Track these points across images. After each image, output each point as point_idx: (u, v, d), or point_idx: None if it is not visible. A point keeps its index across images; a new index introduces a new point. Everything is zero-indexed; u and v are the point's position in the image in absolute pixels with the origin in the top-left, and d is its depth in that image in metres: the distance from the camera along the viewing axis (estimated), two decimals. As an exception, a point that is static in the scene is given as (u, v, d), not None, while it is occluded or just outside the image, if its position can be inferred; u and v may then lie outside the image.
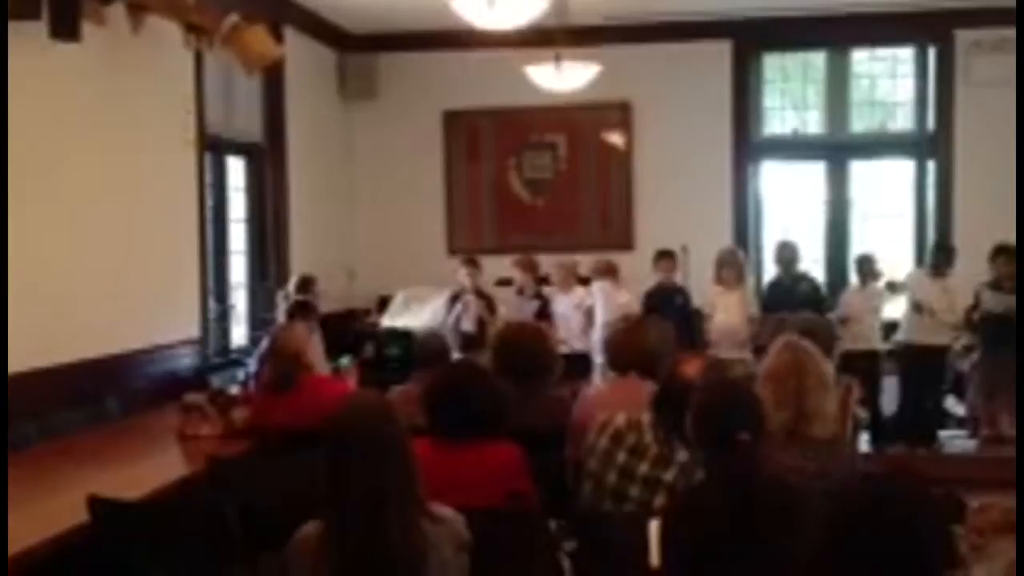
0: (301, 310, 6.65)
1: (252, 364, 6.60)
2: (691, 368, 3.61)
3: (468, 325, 7.86)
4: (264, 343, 6.52)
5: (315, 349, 5.52)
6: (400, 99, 9.54)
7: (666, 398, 3.49)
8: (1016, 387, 7.14)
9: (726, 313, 7.87)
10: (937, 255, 8.13)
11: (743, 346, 7.84)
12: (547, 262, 8.42)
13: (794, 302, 7.74)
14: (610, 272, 8.06)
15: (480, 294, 8.04)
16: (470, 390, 3.52)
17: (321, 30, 8.89)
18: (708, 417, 2.99)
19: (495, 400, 3.56)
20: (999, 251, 7.78)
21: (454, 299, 8.06)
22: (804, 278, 8.20)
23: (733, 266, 8.01)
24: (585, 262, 8.35)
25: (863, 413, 7.71)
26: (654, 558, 2.82)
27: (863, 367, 7.84)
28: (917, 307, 7.85)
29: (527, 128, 9.56)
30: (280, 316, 6.98)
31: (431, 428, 3.47)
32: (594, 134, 9.51)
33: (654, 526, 2.87)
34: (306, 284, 7.24)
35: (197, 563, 3.36)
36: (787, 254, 8.22)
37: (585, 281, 8.23)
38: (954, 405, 8.41)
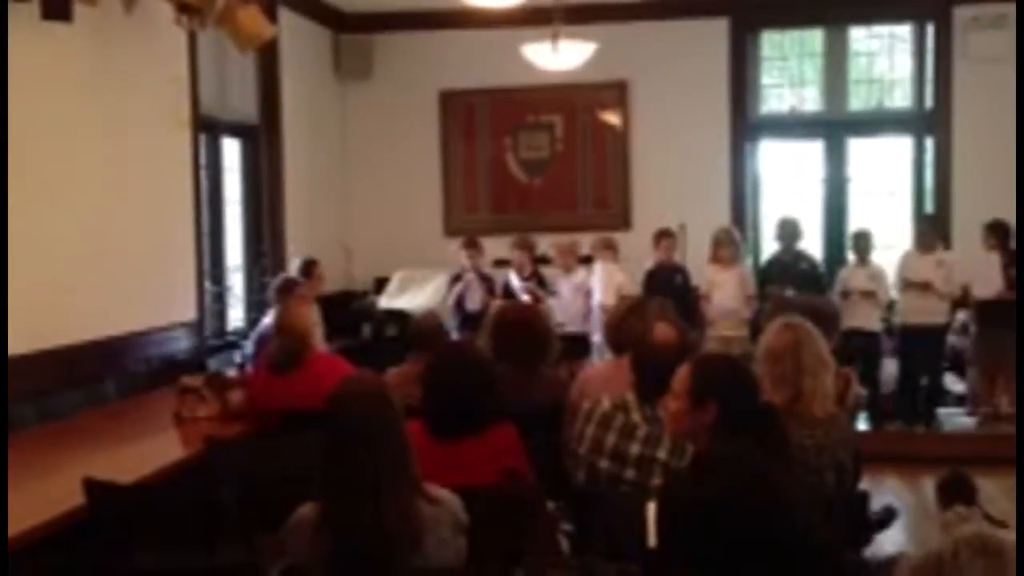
0: (286, 288, 6.59)
1: (249, 346, 6.59)
2: (664, 333, 3.61)
3: (474, 304, 7.83)
4: (262, 325, 6.51)
5: (316, 331, 5.50)
6: (396, 79, 9.50)
7: (648, 371, 3.49)
8: (1016, 369, 7.14)
9: (723, 292, 7.87)
10: (923, 230, 8.11)
11: (741, 325, 7.85)
12: (544, 242, 8.41)
13: (792, 280, 7.73)
14: (610, 249, 8.04)
15: (481, 275, 8.02)
16: (467, 391, 3.46)
17: (315, 9, 8.84)
18: (729, 392, 2.96)
19: (491, 397, 3.51)
20: (993, 227, 7.80)
21: (455, 279, 8.04)
22: (803, 257, 8.18)
23: (729, 245, 8.00)
24: (585, 242, 8.33)
25: (863, 391, 7.73)
26: (651, 539, 2.81)
27: (862, 345, 7.86)
28: (907, 285, 7.84)
29: (524, 107, 9.52)
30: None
31: (428, 426, 3.43)
32: (591, 113, 9.48)
33: (652, 508, 2.85)
34: (309, 267, 7.21)
35: (194, 545, 3.35)
36: (788, 231, 8.19)
37: (586, 260, 8.21)
38: (953, 383, 8.41)
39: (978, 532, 1.73)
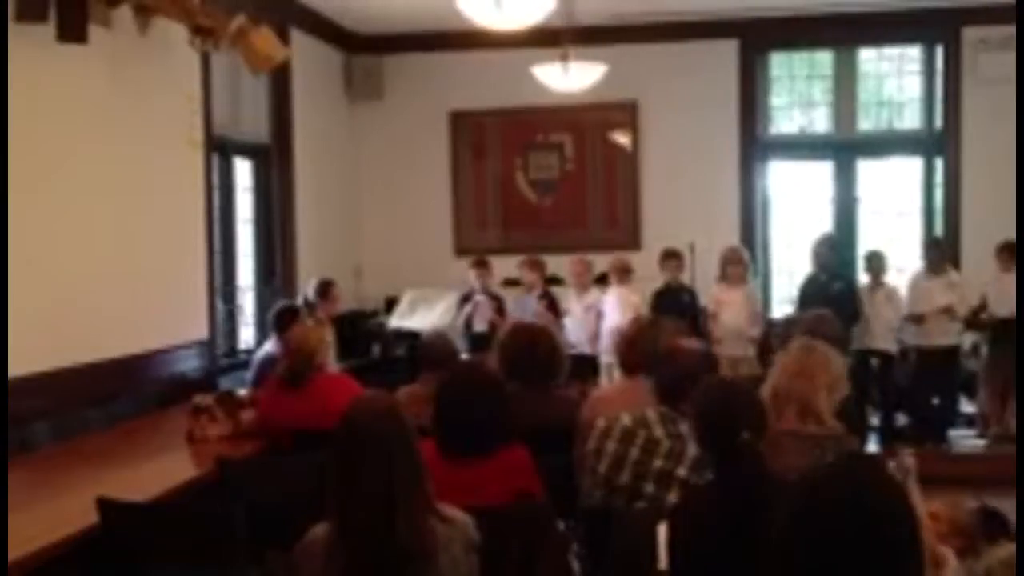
0: (292, 315, 6.57)
1: (250, 373, 6.53)
2: (686, 341, 3.65)
3: (481, 326, 7.84)
4: (263, 351, 6.51)
5: (328, 351, 5.50)
6: (406, 100, 9.55)
7: (667, 376, 3.52)
8: (1016, 387, 7.12)
9: (731, 311, 7.85)
10: (932, 252, 8.09)
11: (747, 345, 7.83)
12: (554, 262, 8.41)
13: (827, 299, 7.50)
14: (625, 271, 8.03)
15: (490, 295, 8.03)
16: (479, 411, 3.45)
17: (327, 31, 8.90)
18: (710, 418, 2.99)
19: (503, 417, 3.51)
20: (1005, 247, 7.79)
21: (464, 299, 8.05)
22: (840, 276, 8.02)
23: (738, 263, 7.99)
24: (599, 262, 8.32)
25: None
26: (662, 561, 2.82)
27: (877, 366, 7.84)
28: (917, 319, 7.79)
29: (533, 128, 9.56)
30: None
31: (440, 446, 3.44)
32: (601, 133, 9.51)
33: (662, 529, 2.86)
34: (325, 288, 7.20)
35: (205, 564, 3.36)
36: (826, 249, 8.07)
37: (600, 280, 8.21)
38: (964, 404, 8.38)
39: (1012, 553, 1.75)
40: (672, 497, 3.32)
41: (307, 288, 7.36)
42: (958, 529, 3.61)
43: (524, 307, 7.84)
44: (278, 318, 6.51)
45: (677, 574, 2.78)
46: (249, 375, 6.55)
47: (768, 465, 2.93)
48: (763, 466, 2.88)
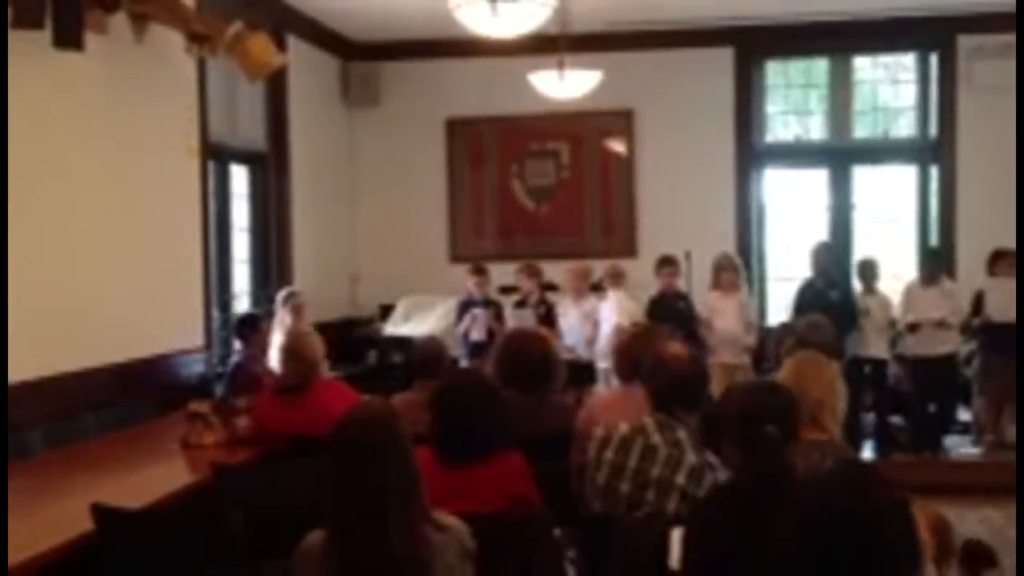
0: (251, 323, 6.57)
1: (222, 384, 6.48)
2: (676, 347, 3.67)
3: (478, 335, 7.84)
4: (232, 362, 6.50)
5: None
6: (403, 107, 9.56)
7: (662, 392, 3.53)
8: (1016, 392, 7.13)
9: (724, 319, 7.85)
10: (929, 263, 8.08)
11: (742, 352, 7.83)
12: (551, 269, 8.42)
13: (824, 306, 7.29)
14: (618, 276, 8.03)
15: (488, 302, 8.03)
16: (475, 416, 3.45)
17: (324, 38, 8.91)
18: (745, 415, 2.98)
19: (499, 422, 3.52)
20: (998, 255, 7.80)
21: (463, 307, 8.02)
22: (837, 285, 7.95)
23: (730, 270, 7.99)
24: (596, 269, 8.33)
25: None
26: (674, 561, 2.81)
27: (870, 373, 7.84)
28: (913, 327, 7.78)
29: (530, 135, 9.58)
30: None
31: (436, 452, 3.43)
32: (597, 141, 9.53)
33: (677, 533, 2.86)
34: (285, 300, 7.13)
35: (202, 571, 3.35)
36: (822, 256, 8.01)
37: (596, 287, 8.21)
38: (959, 411, 8.38)
39: None
40: (672, 505, 3.31)
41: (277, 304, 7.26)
42: (929, 526, 3.61)
43: (522, 322, 7.81)
44: (240, 327, 6.55)
45: (690, 574, 2.77)
46: (221, 387, 6.49)
47: (790, 460, 2.91)
48: (788, 463, 2.86)
